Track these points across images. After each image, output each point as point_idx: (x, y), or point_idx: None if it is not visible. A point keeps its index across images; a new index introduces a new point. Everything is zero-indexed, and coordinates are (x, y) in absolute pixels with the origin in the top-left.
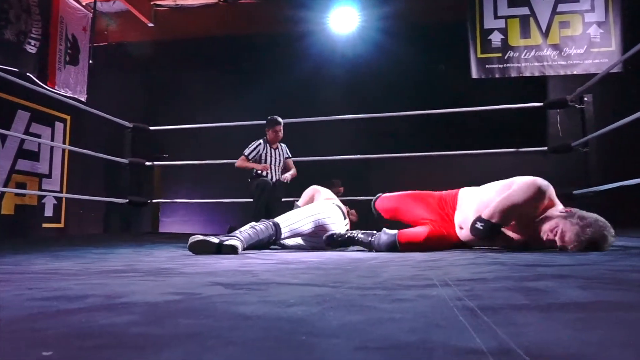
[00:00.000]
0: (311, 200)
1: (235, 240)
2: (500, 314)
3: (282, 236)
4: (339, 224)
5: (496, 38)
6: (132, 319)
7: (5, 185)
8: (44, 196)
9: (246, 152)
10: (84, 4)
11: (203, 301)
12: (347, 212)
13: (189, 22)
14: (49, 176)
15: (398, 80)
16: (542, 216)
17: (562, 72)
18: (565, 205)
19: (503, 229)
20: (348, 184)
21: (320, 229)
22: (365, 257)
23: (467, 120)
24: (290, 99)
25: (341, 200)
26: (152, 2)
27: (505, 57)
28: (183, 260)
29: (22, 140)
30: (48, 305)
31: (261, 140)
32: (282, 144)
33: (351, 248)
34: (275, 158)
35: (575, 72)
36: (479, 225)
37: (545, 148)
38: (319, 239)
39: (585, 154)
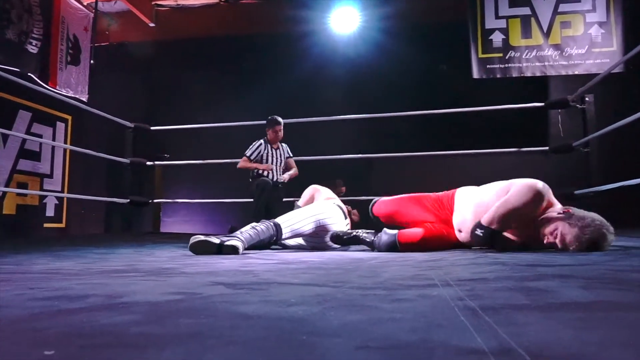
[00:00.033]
0: (311, 199)
1: (236, 240)
2: (501, 314)
3: (283, 236)
4: (339, 224)
5: (497, 38)
6: (133, 318)
7: (6, 185)
8: (45, 196)
9: (247, 153)
10: (85, 4)
11: (204, 301)
12: (349, 211)
13: (190, 22)
14: (50, 176)
15: (399, 80)
16: (541, 217)
17: (563, 72)
18: (564, 204)
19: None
20: (349, 184)
21: (321, 229)
22: (366, 257)
23: (468, 120)
24: (291, 99)
25: (343, 200)
26: (153, 2)
27: (507, 57)
28: (184, 260)
29: (24, 140)
30: (49, 304)
31: (262, 141)
32: (283, 144)
33: (352, 248)
34: (276, 158)
35: (576, 72)
36: (478, 232)
37: (547, 148)
38: (320, 239)
39: (587, 154)
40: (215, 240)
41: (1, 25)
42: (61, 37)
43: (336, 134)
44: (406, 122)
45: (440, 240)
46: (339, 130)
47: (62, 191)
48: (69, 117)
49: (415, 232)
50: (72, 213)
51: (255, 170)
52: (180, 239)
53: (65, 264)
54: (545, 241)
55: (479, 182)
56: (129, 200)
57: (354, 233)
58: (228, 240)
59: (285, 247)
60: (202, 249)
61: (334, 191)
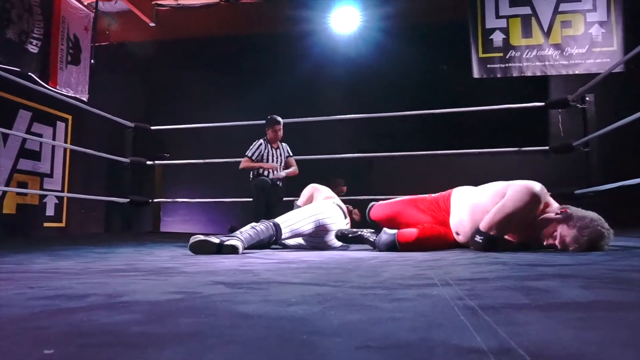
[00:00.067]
0: (310, 199)
1: (236, 240)
2: (501, 314)
3: (283, 236)
4: (339, 224)
5: (498, 38)
6: (133, 317)
7: (6, 185)
8: (46, 195)
9: (248, 153)
10: (85, 3)
11: (204, 300)
12: (351, 211)
13: (191, 22)
14: (50, 176)
15: (399, 80)
16: (540, 218)
17: (563, 72)
18: (562, 204)
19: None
20: (349, 184)
21: (320, 229)
22: (366, 257)
23: (468, 120)
24: (292, 98)
25: (344, 200)
26: (153, 2)
27: (507, 57)
28: (184, 259)
29: (24, 140)
30: (49, 304)
31: (262, 140)
32: (283, 144)
33: (352, 247)
34: (277, 157)
35: (577, 72)
36: (478, 238)
37: (547, 148)
38: (320, 238)
39: (587, 153)
40: (215, 240)
41: (1, 25)
42: (61, 37)
43: (336, 134)
44: (406, 122)
45: (439, 240)
46: (339, 130)
47: (62, 191)
48: (69, 117)
49: (414, 232)
50: (72, 212)
51: (256, 170)
52: (180, 238)
53: (65, 263)
54: (545, 243)
55: (479, 182)
56: (129, 199)
57: (359, 232)
58: (228, 240)
59: (285, 247)
60: (202, 248)
61: (334, 190)
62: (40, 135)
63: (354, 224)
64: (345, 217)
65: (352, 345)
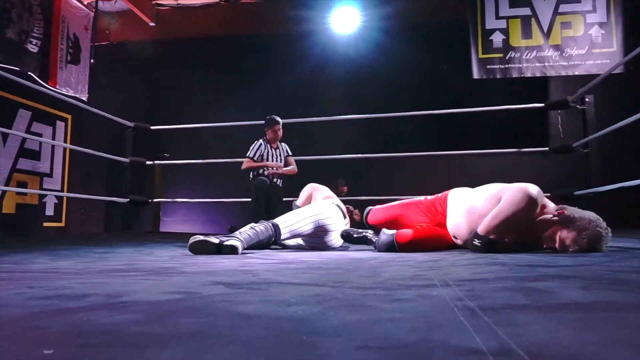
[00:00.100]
0: (309, 198)
1: (236, 240)
2: (501, 314)
3: (282, 237)
4: (339, 224)
5: (497, 38)
6: (133, 317)
7: (6, 184)
8: (45, 195)
9: (250, 154)
10: (85, 3)
11: (204, 300)
12: (351, 211)
13: (191, 22)
14: (50, 175)
15: (399, 80)
16: (538, 220)
17: (563, 73)
18: (560, 204)
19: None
20: (349, 184)
21: (320, 229)
22: (366, 257)
23: (468, 120)
24: (292, 99)
25: (344, 200)
26: (153, 2)
27: (507, 58)
28: (184, 259)
29: (24, 140)
30: (49, 304)
31: (261, 141)
32: (283, 143)
33: (352, 247)
34: (276, 157)
35: (576, 73)
36: (476, 242)
37: (547, 148)
38: (319, 239)
39: (586, 154)
40: (215, 240)
41: (1, 25)
42: (61, 37)
43: (336, 134)
44: (406, 122)
45: (438, 241)
46: (339, 130)
47: (62, 190)
48: (69, 116)
49: (412, 232)
50: (71, 212)
51: (256, 170)
52: (179, 238)
53: (65, 263)
54: (544, 246)
55: (479, 183)
56: (128, 199)
57: (364, 233)
58: (227, 240)
59: (285, 247)
60: (202, 248)
61: (335, 191)
62: (40, 135)
63: (354, 224)
64: (345, 218)
65: (351, 346)
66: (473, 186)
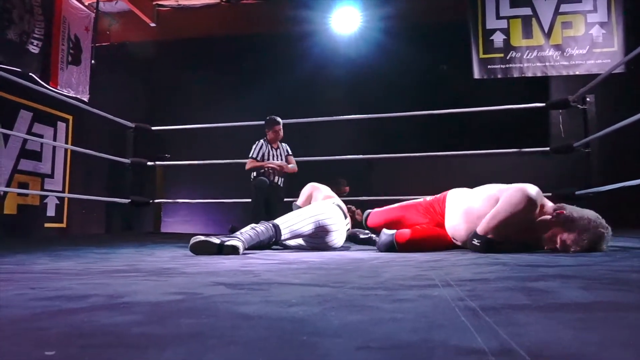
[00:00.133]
0: (310, 198)
1: (237, 240)
2: (502, 314)
3: (282, 237)
4: (339, 224)
5: (498, 38)
6: (134, 318)
7: (7, 185)
8: (46, 196)
9: (253, 154)
10: (86, 4)
11: (205, 301)
12: (353, 211)
13: (191, 22)
14: (51, 176)
15: (400, 80)
16: (538, 220)
17: (564, 73)
18: (556, 203)
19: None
20: (350, 184)
21: (320, 229)
22: (367, 257)
23: (469, 120)
24: (292, 99)
25: (346, 201)
26: (154, 2)
27: (508, 58)
28: (185, 260)
29: (25, 140)
30: (50, 304)
31: (262, 141)
32: (283, 143)
33: (353, 248)
34: (277, 157)
35: (577, 73)
36: (475, 242)
37: (548, 148)
38: (320, 239)
39: (587, 154)
40: (216, 240)
41: (2, 26)
42: (62, 37)
43: (336, 134)
44: (407, 122)
45: (438, 240)
46: (340, 130)
47: (63, 191)
48: (70, 117)
49: (411, 232)
50: (72, 213)
51: (256, 171)
52: (181, 239)
53: (66, 264)
54: (545, 247)
55: (479, 183)
56: (129, 200)
57: (370, 235)
58: (228, 240)
59: (286, 248)
60: (203, 249)
61: (337, 191)
62: (41, 136)
63: (355, 224)
64: (346, 218)
65: (352, 346)
66: (473, 186)
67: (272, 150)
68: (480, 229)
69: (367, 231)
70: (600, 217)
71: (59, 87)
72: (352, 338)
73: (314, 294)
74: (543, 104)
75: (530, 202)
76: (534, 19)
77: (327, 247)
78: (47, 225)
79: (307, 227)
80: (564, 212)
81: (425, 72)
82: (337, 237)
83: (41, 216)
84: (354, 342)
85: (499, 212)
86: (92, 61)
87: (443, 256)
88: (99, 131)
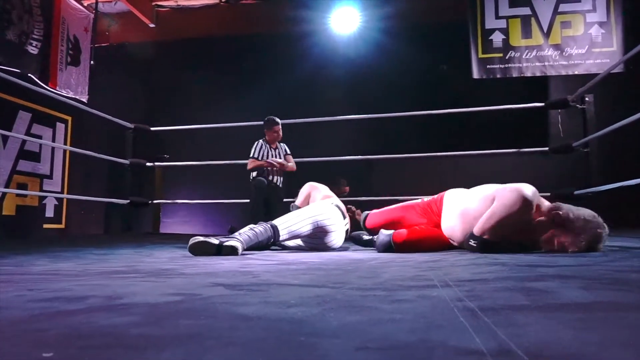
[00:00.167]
0: (308, 197)
1: (235, 241)
2: (501, 315)
3: (281, 238)
4: (338, 225)
5: (497, 38)
6: (132, 319)
7: (6, 186)
8: (45, 197)
9: (254, 155)
10: (85, 4)
11: (204, 302)
12: (353, 211)
13: (190, 23)
14: (50, 177)
15: (399, 80)
16: (535, 221)
17: (563, 72)
18: (552, 202)
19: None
20: (350, 185)
21: (319, 230)
22: (366, 258)
23: (468, 120)
24: (292, 99)
25: (345, 201)
26: (153, 3)
27: (507, 57)
28: (184, 261)
29: (24, 141)
30: (49, 306)
31: (261, 141)
32: (282, 143)
33: (352, 248)
34: (276, 157)
35: (576, 72)
36: (472, 243)
37: (547, 148)
38: (319, 240)
39: (586, 154)
40: (215, 241)
41: (2, 26)
42: (61, 38)
43: (336, 134)
44: (406, 122)
45: (436, 241)
46: (339, 131)
47: (62, 192)
48: (69, 118)
49: (409, 232)
50: (71, 214)
51: (255, 171)
52: (179, 239)
53: (64, 265)
54: (543, 249)
55: (478, 183)
56: (128, 201)
57: (372, 237)
58: (227, 241)
59: (285, 248)
60: (202, 249)
61: (337, 191)
62: (40, 137)
63: (355, 224)
64: (345, 218)
65: (351, 347)
66: (473, 186)
67: (271, 150)
68: (476, 230)
69: (367, 233)
70: (597, 216)
71: (57, 88)
72: (351, 339)
73: (312, 295)
74: (542, 104)
75: (525, 203)
76: (533, 19)
77: (326, 248)
78: (45, 226)
79: (306, 228)
80: (560, 213)
81: (425, 72)
82: (336, 237)
83: (40, 217)
84: (352, 342)
85: (494, 213)
86: (91, 62)
87: (442, 256)
88: (98, 132)
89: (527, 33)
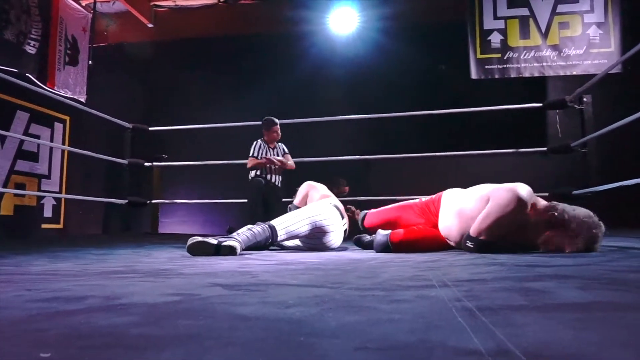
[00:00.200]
0: (306, 197)
1: (234, 241)
2: (499, 315)
3: (278, 239)
4: (336, 225)
5: (495, 39)
6: (131, 320)
7: (4, 186)
8: (43, 197)
9: (254, 154)
10: (83, 4)
11: (202, 302)
12: (353, 211)
13: (189, 23)
14: (48, 177)
15: (398, 80)
16: (532, 221)
17: (561, 73)
18: (549, 201)
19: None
20: (348, 184)
21: (317, 230)
22: (365, 258)
23: (467, 120)
24: (290, 99)
25: (344, 201)
26: (151, 3)
27: (505, 58)
28: (182, 261)
29: (22, 141)
30: (48, 306)
31: (260, 141)
32: (280, 143)
33: (350, 248)
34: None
35: (574, 73)
36: (469, 244)
37: (545, 148)
38: (317, 240)
39: (585, 154)
40: (213, 241)
41: (0, 26)
42: (59, 38)
43: (335, 134)
44: (405, 122)
45: (432, 241)
46: (338, 131)
47: (60, 192)
48: (67, 118)
49: (406, 232)
50: (70, 214)
51: (254, 171)
52: (178, 239)
53: (63, 265)
54: (541, 249)
55: (477, 183)
56: (127, 201)
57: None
58: (225, 241)
59: (283, 248)
60: (200, 250)
61: (337, 191)
62: (38, 137)
63: (354, 224)
64: (343, 218)
65: (350, 347)
66: (471, 186)
67: (269, 150)
68: (472, 231)
69: (369, 235)
70: (593, 215)
71: (56, 88)
72: (350, 339)
73: (311, 295)
74: (540, 104)
75: (519, 202)
76: (531, 20)
77: (325, 248)
78: (44, 226)
79: (304, 229)
80: (556, 214)
81: (424, 73)
82: (334, 237)
83: (38, 217)
84: (351, 342)
85: (489, 213)
86: (90, 62)
87: (440, 257)
88: (96, 132)
89: (525, 33)
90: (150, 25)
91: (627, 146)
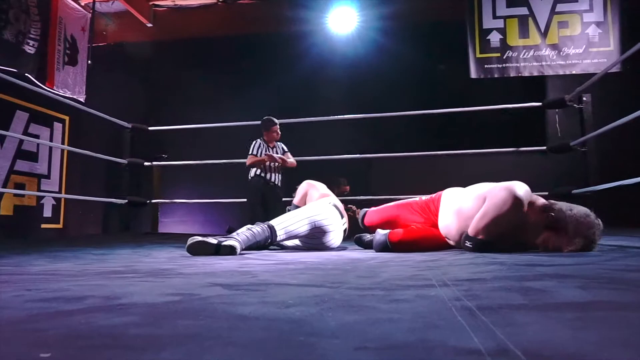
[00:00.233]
0: (305, 196)
1: (234, 241)
2: (499, 314)
3: (278, 239)
4: (336, 224)
5: (495, 38)
6: (131, 320)
7: (4, 186)
8: (43, 197)
9: (254, 152)
10: (82, 4)
11: (202, 302)
12: (354, 211)
13: (188, 23)
14: (47, 177)
15: (397, 80)
16: (530, 221)
17: (560, 72)
18: (547, 198)
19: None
20: (348, 184)
21: (316, 230)
22: (364, 257)
23: (466, 120)
24: (290, 99)
25: (345, 200)
26: (151, 3)
27: (504, 57)
28: (182, 261)
29: (21, 141)
30: (47, 306)
31: (259, 140)
32: (279, 142)
33: (350, 248)
34: None
35: (573, 72)
36: (468, 244)
37: (544, 147)
38: (317, 240)
39: (584, 153)
40: (213, 240)
41: None
42: (58, 38)
43: (335, 134)
44: (405, 121)
45: (432, 240)
46: (338, 130)
47: (60, 192)
48: (67, 118)
49: (405, 231)
50: (69, 214)
51: (254, 171)
52: (178, 239)
53: (63, 265)
54: (540, 249)
55: (476, 182)
56: (127, 200)
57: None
58: (225, 241)
59: (283, 248)
60: (200, 249)
61: (338, 190)
62: (38, 136)
63: (354, 223)
64: (342, 217)
65: (350, 346)
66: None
67: (269, 149)
68: (470, 230)
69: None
70: (590, 214)
71: (55, 88)
72: (350, 338)
73: (311, 295)
74: (540, 104)
75: (516, 201)
76: (530, 19)
77: (324, 248)
78: (43, 226)
79: (303, 228)
80: (553, 214)
81: (423, 72)
82: (334, 237)
83: (38, 217)
84: (351, 342)
85: (486, 213)
86: (89, 61)
87: (440, 256)
88: (95, 131)
89: (524, 33)
90: (150, 25)
91: (627, 145)
